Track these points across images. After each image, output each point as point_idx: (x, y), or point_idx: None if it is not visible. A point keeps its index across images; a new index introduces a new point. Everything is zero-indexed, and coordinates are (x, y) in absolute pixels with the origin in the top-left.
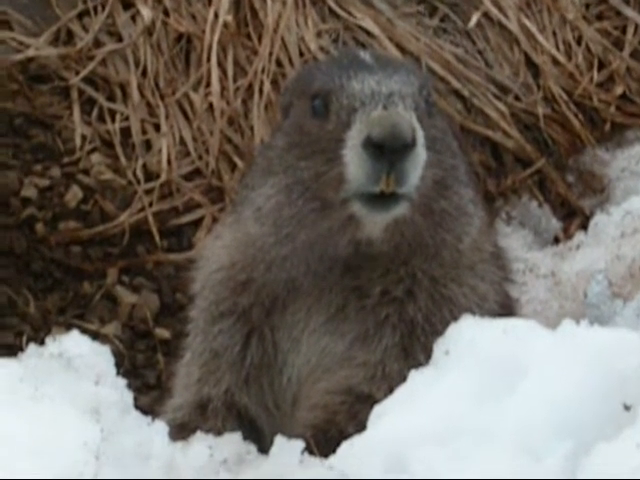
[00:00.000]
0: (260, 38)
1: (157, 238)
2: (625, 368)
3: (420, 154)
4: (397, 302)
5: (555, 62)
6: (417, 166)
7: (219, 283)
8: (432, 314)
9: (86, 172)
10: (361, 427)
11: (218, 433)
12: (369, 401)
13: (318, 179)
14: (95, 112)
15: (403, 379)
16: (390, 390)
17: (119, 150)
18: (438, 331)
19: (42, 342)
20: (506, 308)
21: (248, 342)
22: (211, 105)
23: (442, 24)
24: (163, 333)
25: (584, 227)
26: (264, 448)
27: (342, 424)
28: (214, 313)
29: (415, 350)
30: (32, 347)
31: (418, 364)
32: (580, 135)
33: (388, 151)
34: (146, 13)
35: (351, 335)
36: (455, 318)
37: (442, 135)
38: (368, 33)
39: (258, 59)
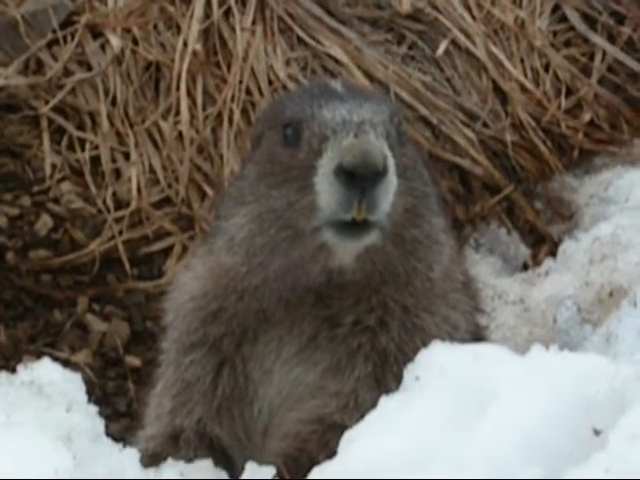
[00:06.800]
0: (229, 67)
1: (127, 266)
2: (594, 393)
3: (391, 181)
4: (369, 332)
5: (523, 89)
6: (388, 193)
7: (190, 313)
8: (404, 344)
9: (56, 201)
10: (332, 456)
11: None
12: (341, 430)
13: (290, 207)
14: (65, 141)
15: None
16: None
17: (89, 179)
18: (410, 361)
19: (13, 370)
20: (477, 338)
21: (219, 373)
22: (180, 133)
23: (410, 52)
24: (133, 361)
25: (553, 253)
26: (235, 478)
27: (313, 453)
28: (185, 344)
29: (388, 380)
30: (3, 375)
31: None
32: (548, 162)
33: (360, 178)
34: (115, 42)
35: (323, 365)
36: None
37: (413, 163)
38: (337, 61)
39: (227, 87)
